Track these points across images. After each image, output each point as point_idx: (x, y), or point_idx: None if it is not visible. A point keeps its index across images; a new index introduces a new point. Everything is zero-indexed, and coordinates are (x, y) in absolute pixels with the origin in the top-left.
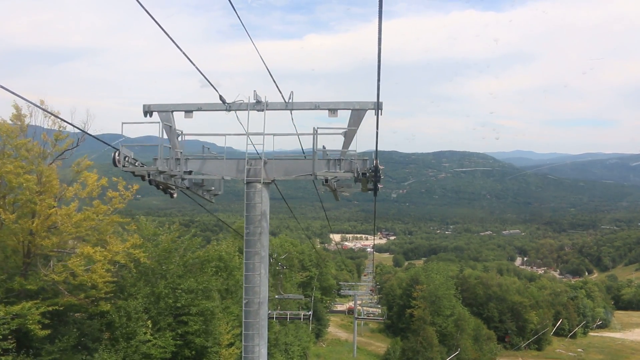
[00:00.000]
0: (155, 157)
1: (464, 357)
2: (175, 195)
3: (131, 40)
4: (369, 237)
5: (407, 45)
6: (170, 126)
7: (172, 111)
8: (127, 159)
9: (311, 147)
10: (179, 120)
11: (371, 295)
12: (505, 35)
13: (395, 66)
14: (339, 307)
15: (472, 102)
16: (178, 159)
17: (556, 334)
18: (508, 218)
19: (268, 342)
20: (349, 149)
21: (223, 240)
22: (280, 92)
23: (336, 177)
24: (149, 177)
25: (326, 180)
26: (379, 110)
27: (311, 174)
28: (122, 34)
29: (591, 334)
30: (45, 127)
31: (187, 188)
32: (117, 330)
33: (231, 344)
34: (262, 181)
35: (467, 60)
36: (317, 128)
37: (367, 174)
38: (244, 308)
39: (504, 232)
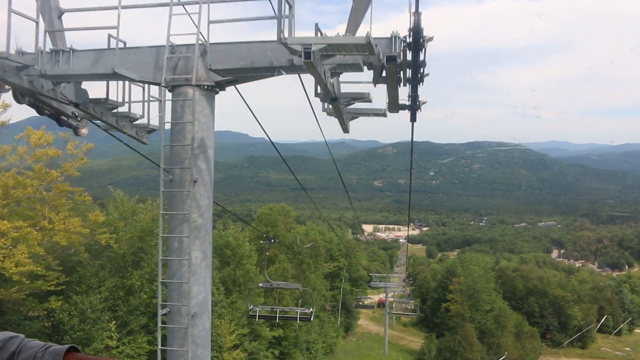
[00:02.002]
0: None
1: (507, 356)
2: (84, 131)
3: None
4: (401, 227)
5: (440, 35)
6: None
7: None
8: None
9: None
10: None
11: (403, 287)
12: (541, 23)
13: (428, 56)
14: (368, 301)
15: (506, 91)
16: (52, 51)
17: (599, 330)
18: (544, 209)
19: (286, 340)
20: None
21: (231, 224)
22: None
23: (334, 57)
24: None
25: (307, 61)
26: None
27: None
28: (157, 27)
29: (637, 330)
30: None
31: (77, 106)
32: (67, 335)
33: (236, 346)
34: (194, 82)
35: (502, 50)
36: None
37: (399, 61)
38: (159, 324)
39: (539, 223)
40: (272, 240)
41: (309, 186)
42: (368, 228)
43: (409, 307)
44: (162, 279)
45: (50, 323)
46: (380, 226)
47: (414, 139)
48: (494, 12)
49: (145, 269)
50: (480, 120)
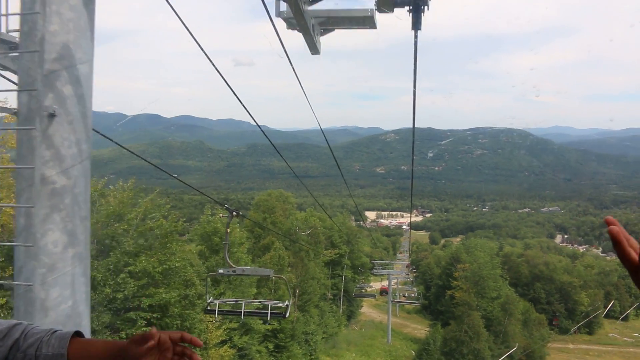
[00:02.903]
0: None
1: (513, 344)
2: None
3: (168, 21)
4: (404, 214)
5: (442, 21)
6: None
7: None
8: None
9: None
10: None
11: (407, 274)
12: (544, 9)
13: (431, 42)
14: (370, 289)
15: (509, 77)
16: None
17: (606, 316)
18: (547, 195)
19: (282, 333)
20: None
21: (219, 210)
22: None
23: None
24: None
25: None
26: None
27: None
28: (160, 15)
29: None
30: None
31: None
32: None
33: (224, 342)
34: None
35: (505, 36)
36: None
37: None
38: None
39: (542, 209)
40: (234, 213)
41: (311, 174)
42: (371, 215)
43: (413, 295)
44: None
45: None
46: (383, 213)
47: (415, 125)
48: None
49: (110, 258)
50: (483, 107)
